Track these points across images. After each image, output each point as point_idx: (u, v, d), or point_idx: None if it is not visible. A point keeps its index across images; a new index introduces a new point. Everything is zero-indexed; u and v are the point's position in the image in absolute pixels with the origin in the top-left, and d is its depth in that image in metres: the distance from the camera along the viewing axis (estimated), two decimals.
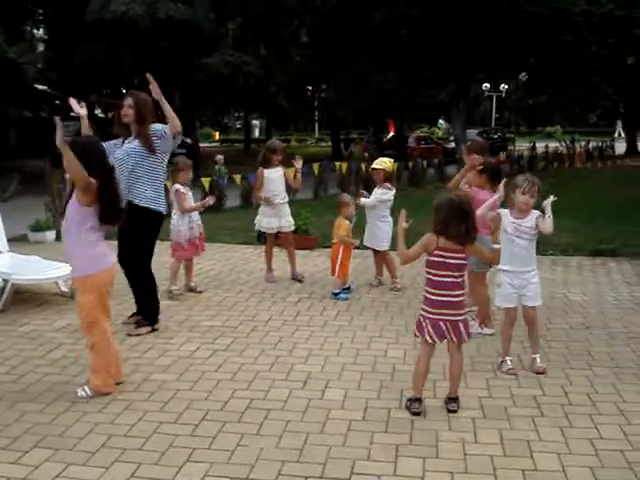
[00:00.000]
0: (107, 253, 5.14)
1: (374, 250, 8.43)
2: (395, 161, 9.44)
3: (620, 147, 42.88)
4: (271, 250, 8.86)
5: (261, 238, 10.95)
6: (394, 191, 8.31)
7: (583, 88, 41.53)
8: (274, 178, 8.53)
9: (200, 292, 8.14)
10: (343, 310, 7.41)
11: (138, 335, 6.48)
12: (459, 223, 4.62)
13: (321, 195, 18.50)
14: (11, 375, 5.51)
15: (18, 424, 4.61)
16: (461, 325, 4.75)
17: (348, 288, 7.99)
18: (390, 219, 8.22)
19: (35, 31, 43.16)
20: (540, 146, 33.80)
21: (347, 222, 7.91)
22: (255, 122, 69.29)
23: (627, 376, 5.48)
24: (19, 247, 9.92)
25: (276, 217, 8.62)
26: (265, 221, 8.69)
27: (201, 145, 39.52)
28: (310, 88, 47.38)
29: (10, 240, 9.03)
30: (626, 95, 44.14)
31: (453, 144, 34.81)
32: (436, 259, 4.69)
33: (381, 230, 8.27)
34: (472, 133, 33.41)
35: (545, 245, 10.48)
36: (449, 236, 4.64)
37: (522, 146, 39.56)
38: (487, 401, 4.97)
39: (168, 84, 35.34)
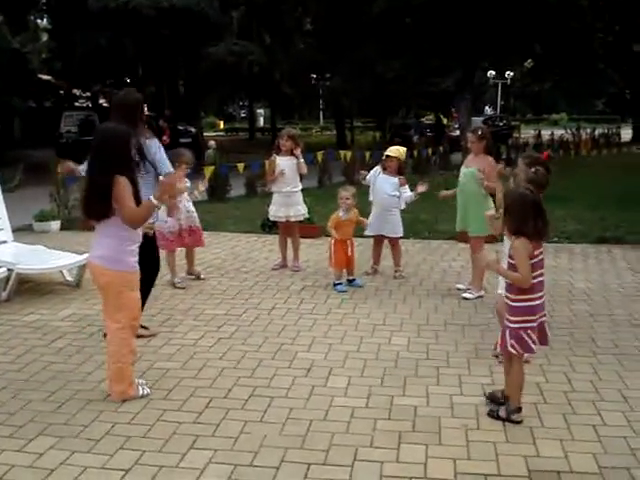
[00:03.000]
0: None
1: (382, 238, 8.41)
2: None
3: (626, 134, 42.71)
4: (284, 240, 8.87)
5: (265, 227, 10.96)
6: None
7: (589, 75, 41.34)
8: (283, 166, 8.44)
9: (202, 278, 8.17)
10: (347, 298, 7.41)
11: None
12: (543, 219, 4.42)
13: (326, 184, 18.48)
14: (16, 364, 5.53)
15: (22, 412, 4.62)
16: (546, 326, 4.57)
17: (353, 280, 7.86)
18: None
19: (39, 21, 43.14)
20: (546, 134, 33.68)
21: (339, 214, 7.77)
22: (260, 111, 69.18)
23: (631, 363, 5.49)
24: (24, 237, 9.95)
25: (285, 206, 8.61)
26: (274, 209, 8.71)
27: (206, 134, 39.52)
28: (314, 76, 47.25)
29: (15, 230, 9.04)
30: (632, 82, 43.94)
31: (457, 132, 34.72)
32: (534, 261, 4.42)
33: (395, 218, 8.28)
34: (477, 121, 33.34)
35: (550, 232, 10.47)
36: (541, 235, 4.43)
37: (527, 134, 39.43)
38: (490, 388, 4.94)
39: (172, 73, 35.47)
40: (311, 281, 8.15)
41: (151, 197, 4.66)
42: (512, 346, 4.42)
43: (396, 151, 8.28)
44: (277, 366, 5.45)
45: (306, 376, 5.26)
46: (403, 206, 8.27)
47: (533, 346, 4.45)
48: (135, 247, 4.79)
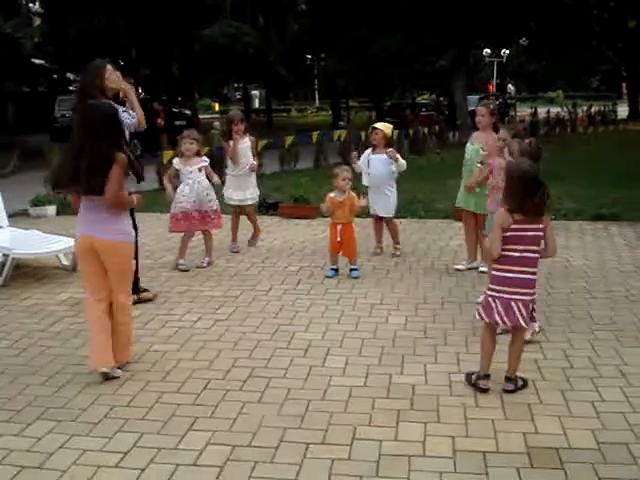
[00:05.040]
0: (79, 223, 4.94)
1: (377, 217, 8.40)
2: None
3: (623, 111, 42.63)
4: (237, 222, 8.80)
5: (262, 208, 10.89)
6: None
7: (584, 52, 41.17)
8: (239, 149, 8.44)
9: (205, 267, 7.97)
10: (344, 278, 7.40)
11: None
12: (542, 195, 4.38)
13: (322, 165, 18.42)
14: (13, 349, 5.52)
15: (21, 397, 4.62)
16: (531, 306, 4.52)
17: (352, 269, 7.50)
18: (395, 187, 8.28)
19: (31, 5, 42.78)
20: (542, 111, 33.58)
21: (332, 195, 7.50)
22: (255, 92, 68.81)
23: (628, 339, 5.49)
24: (20, 222, 9.92)
25: (239, 189, 8.58)
26: (229, 192, 8.64)
27: (201, 116, 39.39)
28: (309, 57, 47.06)
29: (11, 215, 9.02)
30: (628, 59, 43.82)
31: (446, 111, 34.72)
32: (514, 234, 4.40)
33: (390, 197, 8.24)
34: (473, 99, 33.22)
35: (546, 209, 10.47)
36: (524, 210, 4.37)
37: (524, 112, 39.33)
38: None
39: (166, 55, 35.30)
40: (308, 262, 8.13)
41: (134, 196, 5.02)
42: (477, 311, 4.54)
43: (382, 125, 8.27)
44: (275, 347, 5.45)
45: (304, 356, 5.25)
46: (396, 174, 8.20)
47: (497, 317, 4.44)
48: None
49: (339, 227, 7.45)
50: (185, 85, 35.64)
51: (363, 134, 19.64)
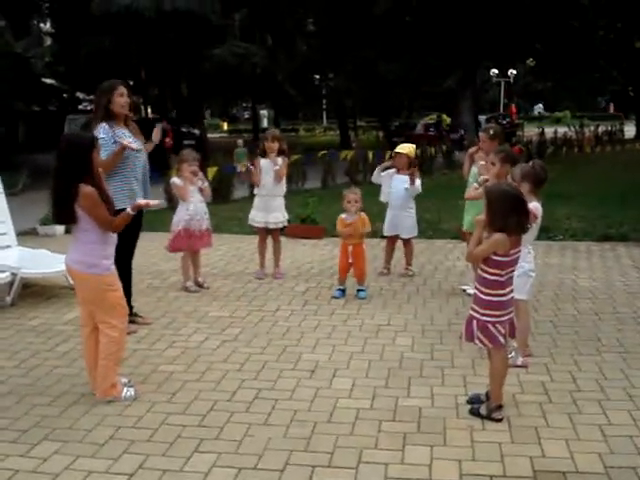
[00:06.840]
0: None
1: (395, 238, 8.41)
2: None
3: (630, 131, 42.62)
4: (262, 246, 8.51)
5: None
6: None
7: (591, 73, 41.23)
8: (266, 169, 8.17)
9: (207, 288, 7.90)
10: (351, 299, 7.40)
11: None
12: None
13: (329, 184, 18.45)
14: (20, 369, 5.53)
15: (27, 417, 4.62)
16: (514, 319, 4.57)
17: (359, 290, 7.51)
18: (414, 207, 8.35)
19: (42, 25, 43.14)
20: (549, 131, 33.60)
21: (343, 217, 7.48)
22: (263, 112, 69.11)
23: (636, 361, 5.47)
24: (28, 241, 9.95)
25: (263, 211, 8.30)
26: (253, 214, 8.40)
27: (209, 135, 39.52)
28: (317, 77, 47.23)
29: (19, 234, 9.05)
30: (634, 79, 43.86)
31: (462, 131, 34.72)
32: (510, 259, 4.36)
33: (412, 217, 8.31)
34: (480, 119, 33.28)
35: (554, 230, 10.49)
36: (521, 232, 4.34)
37: (531, 132, 39.35)
38: None
39: (175, 75, 35.44)
40: (315, 282, 8.13)
41: (128, 209, 4.89)
42: (479, 339, 4.43)
43: (405, 148, 8.28)
44: (281, 368, 5.44)
45: (310, 378, 5.25)
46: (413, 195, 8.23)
47: (502, 340, 4.41)
48: (109, 250, 4.82)
49: (350, 248, 7.46)
50: (194, 105, 35.76)
51: (371, 153, 19.73)
